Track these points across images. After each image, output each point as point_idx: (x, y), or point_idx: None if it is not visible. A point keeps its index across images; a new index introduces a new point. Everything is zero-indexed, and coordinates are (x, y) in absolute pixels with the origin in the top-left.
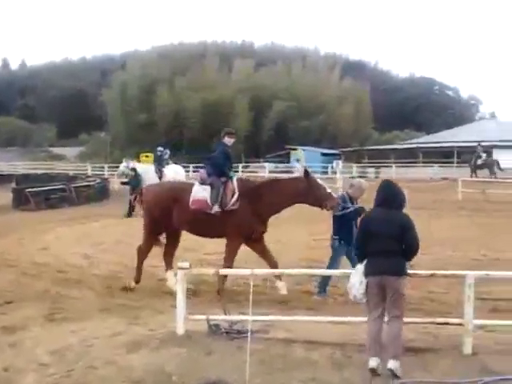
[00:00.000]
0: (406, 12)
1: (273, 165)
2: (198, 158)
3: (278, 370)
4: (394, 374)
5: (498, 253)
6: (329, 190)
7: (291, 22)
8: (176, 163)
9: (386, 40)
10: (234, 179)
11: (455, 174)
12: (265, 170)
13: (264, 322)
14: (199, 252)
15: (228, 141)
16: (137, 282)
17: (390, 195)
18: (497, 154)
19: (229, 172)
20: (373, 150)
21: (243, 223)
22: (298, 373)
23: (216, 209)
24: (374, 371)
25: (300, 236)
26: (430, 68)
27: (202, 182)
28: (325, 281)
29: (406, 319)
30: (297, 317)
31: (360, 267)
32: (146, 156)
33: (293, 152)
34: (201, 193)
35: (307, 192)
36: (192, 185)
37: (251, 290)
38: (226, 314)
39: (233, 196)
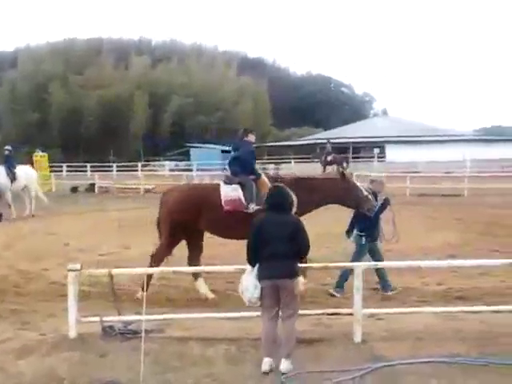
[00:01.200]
0: (302, 10)
1: (173, 163)
2: (95, 157)
3: (173, 369)
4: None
5: (392, 244)
6: (365, 193)
7: (189, 19)
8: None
9: (284, 38)
10: (263, 176)
11: (350, 169)
12: (164, 169)
13: (160, 321)
14: (94, 253)
15: (252, 138)
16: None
17: (279, 199)
18: (389, 149)
19: (257, 170)
20: (272, 146)
21: None
22: (194, 370)
23: (254, 207)
24: (266, 374)
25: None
26: (326, 66)
27: (229, 182)
28: (343, 277)
29: (299, 312)
30: (192, 314)
31: (253, 270)
32: (41, 156)
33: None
34: (232, 192)
35: (348, 193)
36: (215, 186)
37: (145, 289)
38: (119, 315)
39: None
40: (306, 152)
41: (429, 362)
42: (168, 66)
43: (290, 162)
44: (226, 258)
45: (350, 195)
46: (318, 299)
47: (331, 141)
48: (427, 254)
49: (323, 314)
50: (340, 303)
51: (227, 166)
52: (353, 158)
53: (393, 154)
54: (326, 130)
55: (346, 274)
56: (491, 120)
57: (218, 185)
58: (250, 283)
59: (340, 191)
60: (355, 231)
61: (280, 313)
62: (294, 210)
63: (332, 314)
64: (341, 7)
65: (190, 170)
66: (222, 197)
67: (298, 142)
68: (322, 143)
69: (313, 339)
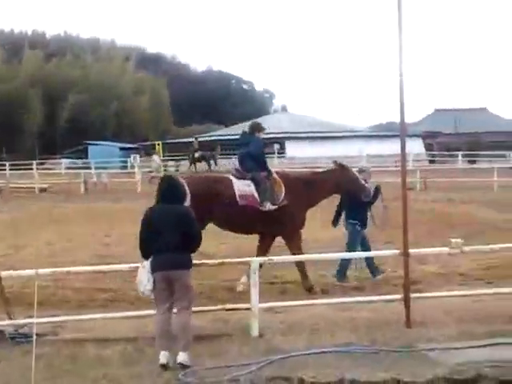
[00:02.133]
0: (201, 5)
1: (70, 161)
2: None
3: (67, 372)
4: (183, 366)
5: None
6: (362, 182)
7: (85, 13)
8: None
9: (184, 33)
10: (274, 173)
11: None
12: (61, 167)
13: (54, 324)
14: None
15: (262, 134)
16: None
17: (170, 190)
18: (289, 145)
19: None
20: (172, 143)
21: (297, 218)
22: (89, 372)
23: (269, 206)
24: (164, 367)
25: (91, 233)
26: (226, 62)
27: (241, 177)
28: (344, 266)
29: (197, 308)
30: (87, 315)
31: (147, 264)
32: None
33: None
34: (245, 188)
35: (348, 183)
36: (226, 178)
37: (35, 292)
38: (10, 319)
39: (281, 191)
40: (207, 149)
41: (324, 352)
42: (63, 61)
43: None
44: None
45: (352, 185)
46: (216, 295)
47: (199, 138)
48: (324, 246)
49: (221, 309)
50: (238, 298)
51: (238, 162)
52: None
53: (293, 149)
54: (227, 126)
55: (346, 264)
56: (387, 116)
57: (229, 179)
58: (143, 276)
59: (342, 182)
60: (347, 220)
61: (174, 305)
62: (188, 202)
63: (230, 310)
64: (239, 3)
65: (88, 168)
66: (237, 191)
67: (198, 139)
68: (220, 140)
69: (211, 335)
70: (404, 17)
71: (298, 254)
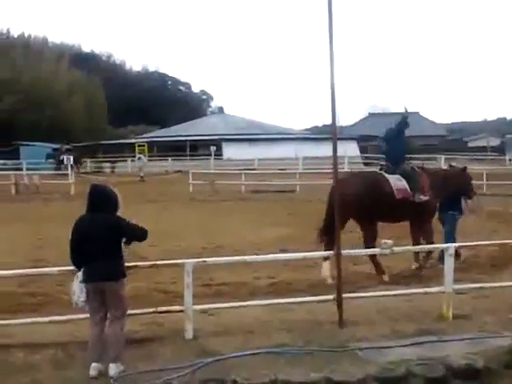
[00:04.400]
0: (136, 4)
1: (0, 161)
2: None
3: None
4: (114, 379)
5: (223, 240)
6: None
7: (15, 9)
8: None
9: (119, 32)
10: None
11: (188, 167)
12: None
13: None
14: None
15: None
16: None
17: (99, 199)
18: (225, 147)
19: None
20: (108, 144)
21: (433, 208)
22: (16, 378)
23: (420, 197)
24: (94, 379)
25: (22, 236)
26: (162, 63)
27: (391, 172)
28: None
29: (130, 311)
30: (15, 320)
31: (80, 274)
32: None
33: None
34: (399, 182)
35: (469, 184)
36: (378, 174)
37: None
38: None
39: (427, 184)
40: (72, 153)
41: (258, 353)
42: None
43: (126, 161)
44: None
45: (470, 186)
46: (150, 298)
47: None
48: (260, 248)
49: (154, 312)
50: (172, 301)
51: (386, 157)
52: (190, 156)
53: (229, 151)
54: (163, 127)
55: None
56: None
57: (382, 174)
58: (76, 287)
59: (465, 183)
60: (447, 211)
61: (108, 315)
62: (120, 210)
63: (163, 312)
64: (177, 4)
65: (20, 170)
66: (394, 186)
67: (134, 140)
68: (157, 141)
69: (144, 338)
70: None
71: (429, 242)
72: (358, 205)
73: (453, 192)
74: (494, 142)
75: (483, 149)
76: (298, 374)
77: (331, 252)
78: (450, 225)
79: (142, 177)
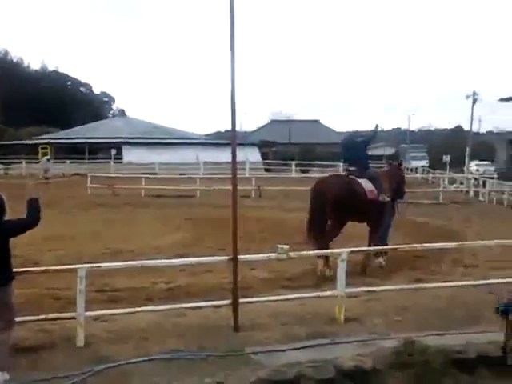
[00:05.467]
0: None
1: None
2: None
3: None
4: None
5: (121, 245)
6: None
7: None
8: None
9: (16, 27)
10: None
11: (87, 170)
12: None
13: None
14: None
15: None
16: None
17: None
18: (126, 150)
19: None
20: (1, 145)
21: (390, 209)
22: None
23: (385, 197)
24: None
25: None
26: (61, 62)
27: (359, 176)
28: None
29: (21, 318)
30: None
31: None
32: None
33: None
34: (368, 184)
35: (404, 182)
36: (351, 177)
37: None
38: None
39: (387, 186)
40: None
41: (151, 359)
42: None
43: (21, 162)
44: None
45: (403, 181)
46: (42, 304)
47: None
48: (159, 253)
49: (44, 319)
50: (65, 307)
51: (349, 163)
52: (90, 159)
53: (130, 154)
54: (63, 129)
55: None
56: (225, 124)
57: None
58: None
59: (401, 179)
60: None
61: None
62: (6, 216)
63: (55, 319)
64: (77, 3)
65: None
66: (365, 188)
67: (31, 142)
68: (55, 143)
69: (34, 346)
70: (241, 27)
71: (375, 240)
72: (338, 204)
73: (395, 191)
74: (390, 151)
75: (380, 157)
76: (192, 380)
77: (227, 257)
78: (386, 226)
79: (47, 178)
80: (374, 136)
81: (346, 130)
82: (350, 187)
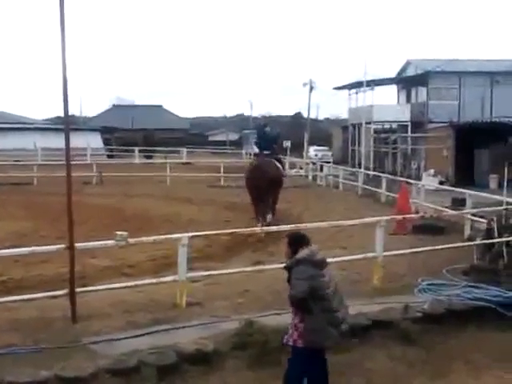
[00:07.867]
0: None
1: None
2: None
3: None
4: None
5: None
6: None
7: None
8: None
9: None
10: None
11: None
12: None
13: None
14: None
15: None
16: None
17: None
18: None
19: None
20: None
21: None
22: None
23: (286, 175)
24: None
25: None
26: None
27: (275, 159)
28: None
29: None
30: None
31: None
32: None
33: None
34: (279, 165)
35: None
36: (271, 161)
37: None
38: None
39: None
40: None
41: None
42: None
43: None
44: None
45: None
46: None
47: None
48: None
49: None
50: None
51: (259, 147)
52: None
53: None
54: None
55: None
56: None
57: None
58: None
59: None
60: None
61: None
62: None
63: None
64: None
65: None
66: (279, 168)
67: None
68: None
69: None
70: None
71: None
72: (277, 182)
73: None
74: (233, 136)
75: (223, 143)
76: (27, 374)
77: (62, 246)
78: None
79: None
80: (278, 133)
81: (191, 116)
82: (278, 168)
